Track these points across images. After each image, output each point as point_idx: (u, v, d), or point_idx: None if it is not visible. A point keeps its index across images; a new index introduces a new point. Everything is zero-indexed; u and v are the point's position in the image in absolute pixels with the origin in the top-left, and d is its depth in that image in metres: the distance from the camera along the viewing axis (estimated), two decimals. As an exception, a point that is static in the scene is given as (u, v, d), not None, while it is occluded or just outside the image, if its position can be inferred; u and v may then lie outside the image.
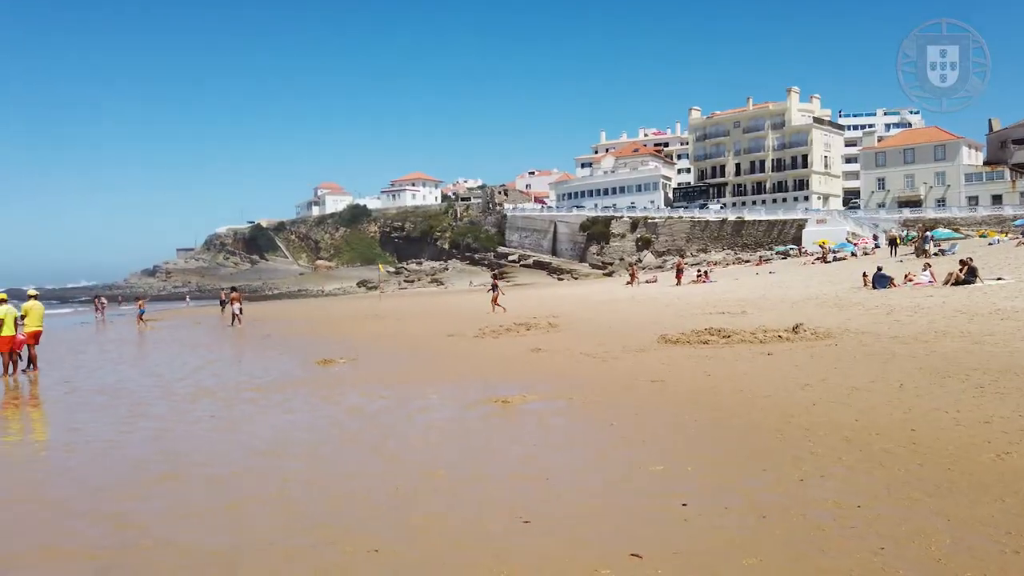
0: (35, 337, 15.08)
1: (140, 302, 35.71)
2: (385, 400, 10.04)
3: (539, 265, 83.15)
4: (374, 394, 10.54)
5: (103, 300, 45.72)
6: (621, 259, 76.24)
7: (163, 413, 9.80)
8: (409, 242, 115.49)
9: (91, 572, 4.43)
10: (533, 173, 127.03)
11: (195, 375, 13.99)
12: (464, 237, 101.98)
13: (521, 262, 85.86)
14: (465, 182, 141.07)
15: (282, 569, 4.33)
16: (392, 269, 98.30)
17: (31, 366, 15.05)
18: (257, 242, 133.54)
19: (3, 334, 14.08)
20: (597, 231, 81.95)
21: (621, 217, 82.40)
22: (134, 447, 7.90)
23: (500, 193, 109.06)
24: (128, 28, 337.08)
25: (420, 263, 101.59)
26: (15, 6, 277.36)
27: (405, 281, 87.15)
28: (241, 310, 29.86)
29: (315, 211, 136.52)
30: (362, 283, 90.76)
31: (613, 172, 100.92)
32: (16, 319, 14.50)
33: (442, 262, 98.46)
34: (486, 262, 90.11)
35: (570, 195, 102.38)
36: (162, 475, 6.59)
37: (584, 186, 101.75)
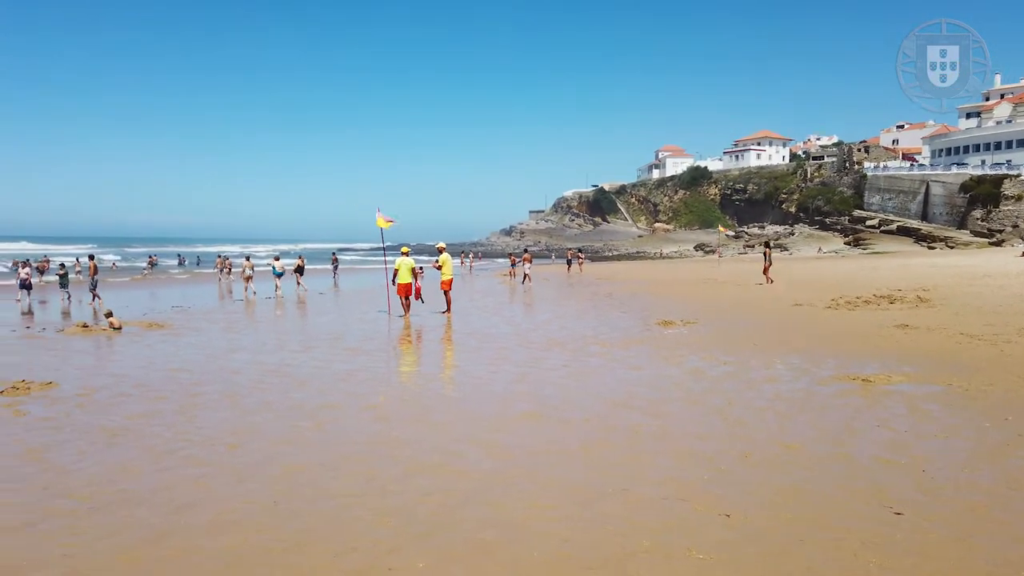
0: (450, 284, 17.89)
1: (511, 257, 42.35)
2: (727, 366, 9.83)
3: (904, 231, 73.09)
4: (715, 359, 10.38)
5: (469, 255, 52.97)
6: (1015, 226, 63.45)
7: (522, 359, 10.86)
8: (751, 205, 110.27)
9: (471, 490, 5.11)
10: (902, 127, 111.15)
11: (546, 327, 15.22)
12: (814, 199, 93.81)
13: (882, 227, 76.32)
14: (818, 139, 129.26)
15: (636, 516, 4.52)
16: (732, 233, 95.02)
17: (447, 309, 17.73)
18: (599, 205, 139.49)
19: (400, 281, 16.91)
20: (983, 192, 69.04)
21: (1018, 176, 68.25)
22: (500, 385, 8.91)
23: (859, 150, 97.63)
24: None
25: (762, 227, 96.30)
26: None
27: (745, 246, 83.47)
28: (530, 269, 32.33)
29: (655, 174, 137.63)
30: (699, 246, 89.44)
31: (1010, 122, 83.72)
32: (413, 269, 17.13)
33: (787, 226, 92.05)
34: (838, 227, 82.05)
35: (948, 151, 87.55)
36: (525, 413, 7.33)
37: (968, 139, 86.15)
